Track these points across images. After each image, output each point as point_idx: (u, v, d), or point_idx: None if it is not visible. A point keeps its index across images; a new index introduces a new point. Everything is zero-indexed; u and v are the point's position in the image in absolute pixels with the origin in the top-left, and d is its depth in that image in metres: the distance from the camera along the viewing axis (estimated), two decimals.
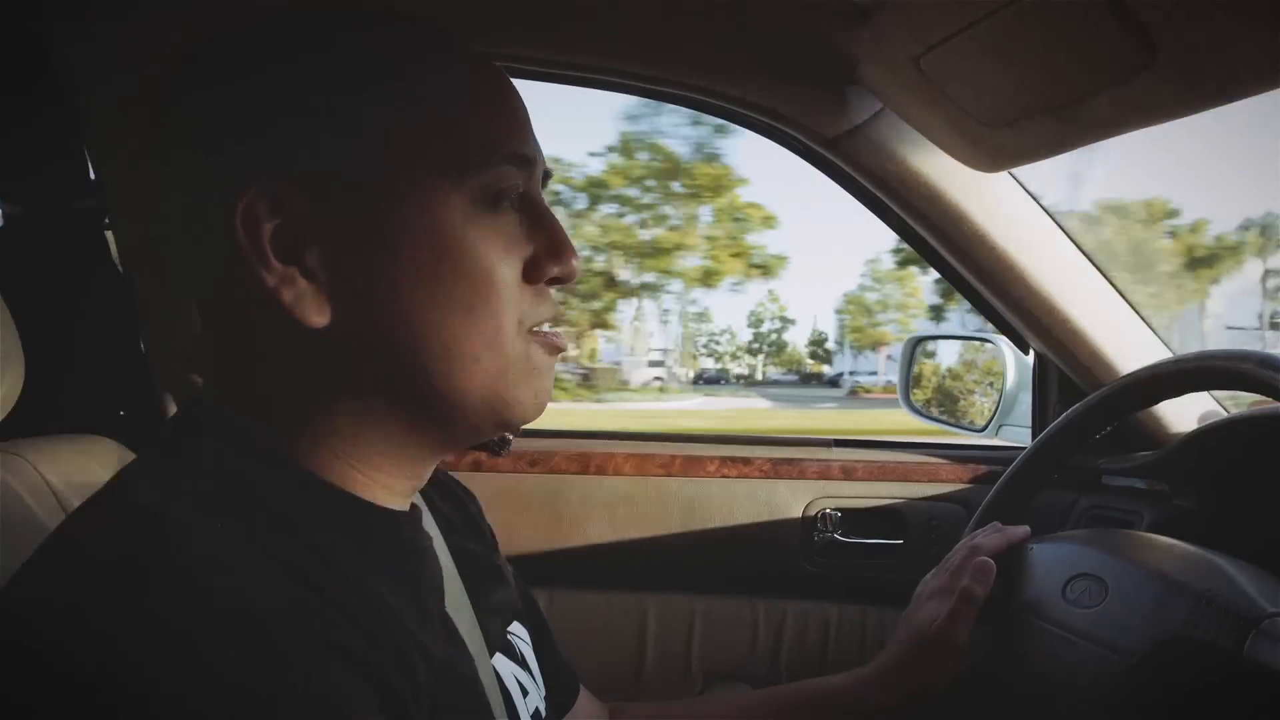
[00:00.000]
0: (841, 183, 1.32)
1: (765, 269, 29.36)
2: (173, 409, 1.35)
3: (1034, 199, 1.29)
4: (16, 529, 0.93)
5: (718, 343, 49.14)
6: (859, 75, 1.13)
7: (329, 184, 0.59)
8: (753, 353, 49.32)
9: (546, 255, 0.65)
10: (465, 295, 0.61)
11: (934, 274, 1.42)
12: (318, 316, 0.59)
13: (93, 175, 1.24)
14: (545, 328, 0.67)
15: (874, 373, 39.35)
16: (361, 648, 0.50)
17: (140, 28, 1.09)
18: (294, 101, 0.59)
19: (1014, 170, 1.24)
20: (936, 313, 32.88)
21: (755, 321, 49.06)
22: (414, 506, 0.71)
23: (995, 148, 1.01)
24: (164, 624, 0.45)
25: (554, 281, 0.67)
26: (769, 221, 28.89)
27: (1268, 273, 32.27)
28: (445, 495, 0.87)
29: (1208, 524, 1.15)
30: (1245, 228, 32.14)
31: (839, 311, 42.13)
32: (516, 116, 0.66)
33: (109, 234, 1.29)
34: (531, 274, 0.65)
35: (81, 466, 1.10)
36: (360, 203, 0.59)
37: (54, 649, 0.45)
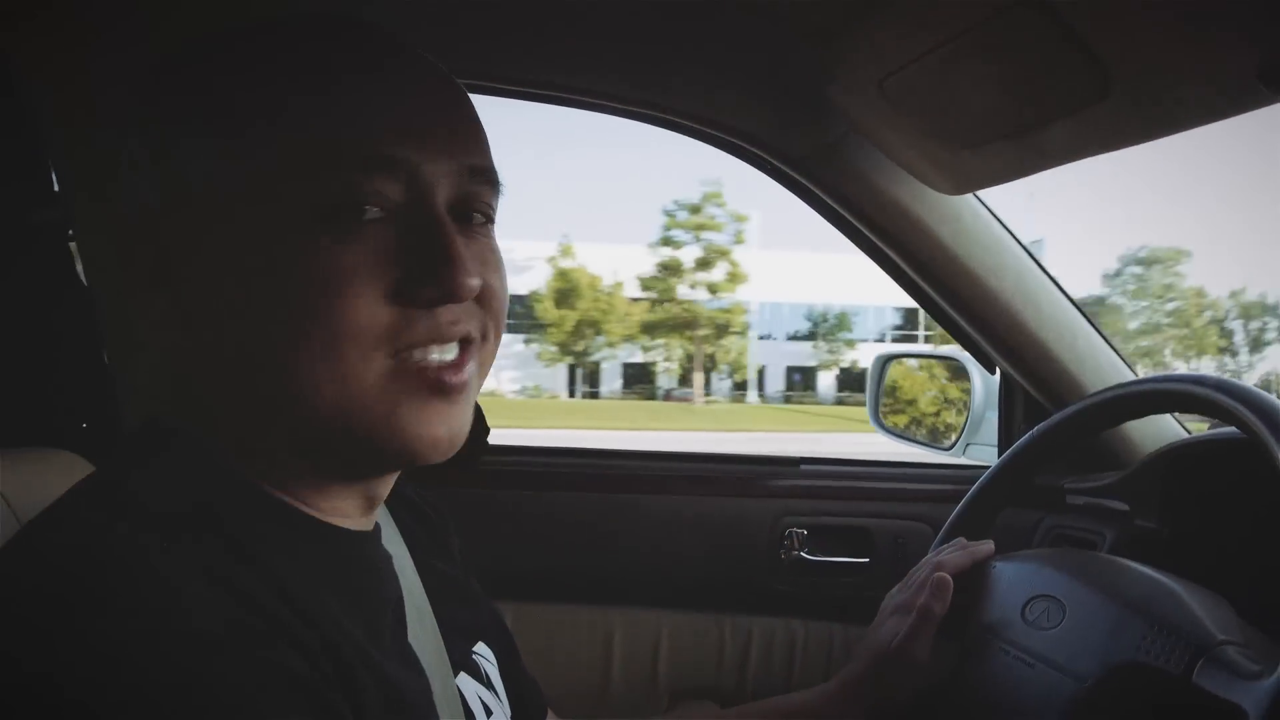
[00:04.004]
0: (809, 201, 1.33)
1: None
2: (135, 423, 1.33)
3: (999, 221, 1.30)
4: None
5: None
6: (826, 96, 1.14)
7: (174, 202, 0.59)
8: None
9: (419, 275, 0.57)
10: (297, 320, 0.55)
11: None
12: (184, 340, 0.60)
13: (56, 186, 1.23)
14: (430, 354, 0.59)
15: None
16: (304, 670, 0.50)
17: (105, 38, 1.09)
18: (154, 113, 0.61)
19: (980, 193, 1.26)
20: None
21: None
22: (376, 525, 0.71)
23: (957, 170, 1.02)
24: (98, 643, 0.45)
25: (432, 302, 0.58)
26: None
27: None
28: (415, 513, 0.87)
29: (1167, 544, 1.16)
30: None
31: None
32: (382, 108, 0.57)
33: (73, 245, 1.28)
34: (402, 295, 0.57)
35: (42, 480, 1.08)
36: (201, 222, 0.58)
37: None
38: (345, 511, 0.66)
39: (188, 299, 0.59)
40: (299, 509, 0.62)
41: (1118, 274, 36.24)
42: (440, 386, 0.59)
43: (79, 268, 1.29)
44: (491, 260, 0.63)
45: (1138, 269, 35.83)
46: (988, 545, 1.04)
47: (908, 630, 0.96)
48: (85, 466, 1.17)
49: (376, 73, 0.58)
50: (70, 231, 1.27)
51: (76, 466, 1.17)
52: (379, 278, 0.56)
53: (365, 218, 0.56)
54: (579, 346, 33.14)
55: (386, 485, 0.69)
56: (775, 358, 35.90)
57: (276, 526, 0.60)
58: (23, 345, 1.27)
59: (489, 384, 0.76)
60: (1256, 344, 34.27)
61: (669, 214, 31.94)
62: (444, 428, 0.60)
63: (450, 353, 0.60)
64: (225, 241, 0.57)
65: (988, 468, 1.17)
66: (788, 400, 35.30)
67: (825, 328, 35.30)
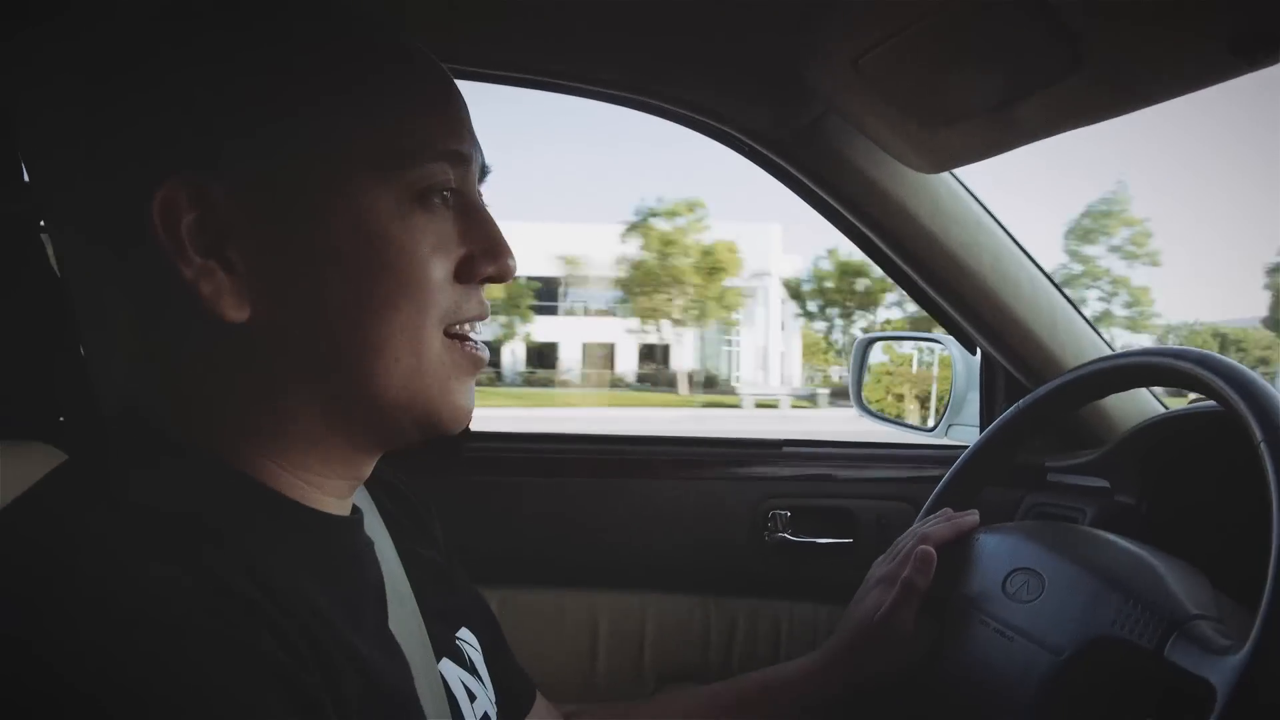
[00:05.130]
0: (787, 183, 1.33)
1: None
2: (110, 414, 1.32)
3: (976, 199, 1.30)
4: None
5: None
6: (803, 76, 1.14)
7: (250, 176, 0.58)
8: None
9: (481, 254, 0.64)
10: (390, 293, 0.60)
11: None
12: (236, 311, 0.58)
13: (25, 177, 1.21)
14: (471, 330, 0.66)
15: None
16: (276, 652, 0.50)
17: (72, 22, 1.07)
18: (211, 87, 0.58)
19: (956, 171, 1.26)
20: None
21: None
22: (356, 509, 0.71)
23: (933, 148, 1.02)
24: (69, 633, 0.45)
25: (487, 280, 0.66)
26: None
27: None
28: (395, 498, 0.86)
29: (1146, 520, 1.17)
30: None
31: None
32: (451, 110, 0.65)
33: (45, 237, 1.27)
34: (464, 273, 0.64)
35: (18, 473, 1.07)
36: (283, 196, 0.58)
37: None
38: (329, 492, 0.66)
39: (254, 274, 0.59)
40: (283, 495, 0.62)
41: (632, 227, 29.73)
42: (478, 362, 0.66)
43: (51, 258, 1.28)
44: None
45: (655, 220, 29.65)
46: (973, 516, 1.04)
47: (890, 603, 0.96)
48: (61, 459, 1.16)
49: (435, 67, 0.65)
50: (42, 223, 1.26)
51: (54, 459, 1.15)
52: (449, 257, 0.63)
53: (437, 204, 0.62)
54: None
55: (368, 467, 0.69)
56: None
57: (259, 513, 0.60)
58: None
59: None
60: (868, 301, 29.30)
61: None
62: (472, 400, 0.66)
63: (482, 332, 0.67)
64: (314, 219, 0.59)
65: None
66: None
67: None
